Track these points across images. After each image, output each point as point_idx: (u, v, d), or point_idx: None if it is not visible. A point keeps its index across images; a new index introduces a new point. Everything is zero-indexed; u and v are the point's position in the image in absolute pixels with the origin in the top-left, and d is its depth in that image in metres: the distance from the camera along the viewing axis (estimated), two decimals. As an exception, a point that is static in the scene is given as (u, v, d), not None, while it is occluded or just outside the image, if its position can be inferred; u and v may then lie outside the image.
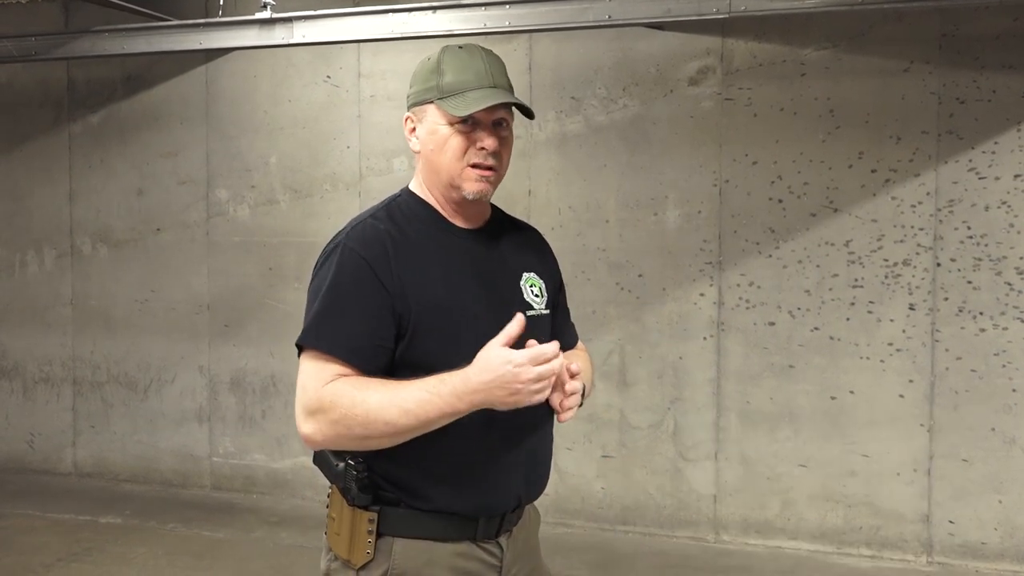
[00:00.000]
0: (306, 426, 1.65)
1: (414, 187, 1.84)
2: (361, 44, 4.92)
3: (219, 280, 5.36)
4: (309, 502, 5.10)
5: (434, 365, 1.64)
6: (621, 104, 4.63)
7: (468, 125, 1.74)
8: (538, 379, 1.57)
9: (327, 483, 1.80)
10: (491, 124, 1.76)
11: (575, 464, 4.76)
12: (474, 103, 1.71)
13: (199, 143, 5.38)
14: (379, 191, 4.91)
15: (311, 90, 5.15)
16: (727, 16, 3.73)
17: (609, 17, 3.87)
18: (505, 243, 1.87)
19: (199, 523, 4.86)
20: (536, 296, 1.84)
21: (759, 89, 4.44)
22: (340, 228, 1.80)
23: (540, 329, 1.79)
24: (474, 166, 1.75)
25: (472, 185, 1.75)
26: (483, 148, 1.75)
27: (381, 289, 1.67)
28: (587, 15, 3.87)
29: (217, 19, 4.59)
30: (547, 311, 1.86)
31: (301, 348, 1.69)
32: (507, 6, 3.99)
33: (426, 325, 1.68)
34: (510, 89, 1.79)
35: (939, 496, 4.25)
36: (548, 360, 1.58)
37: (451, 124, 1.74)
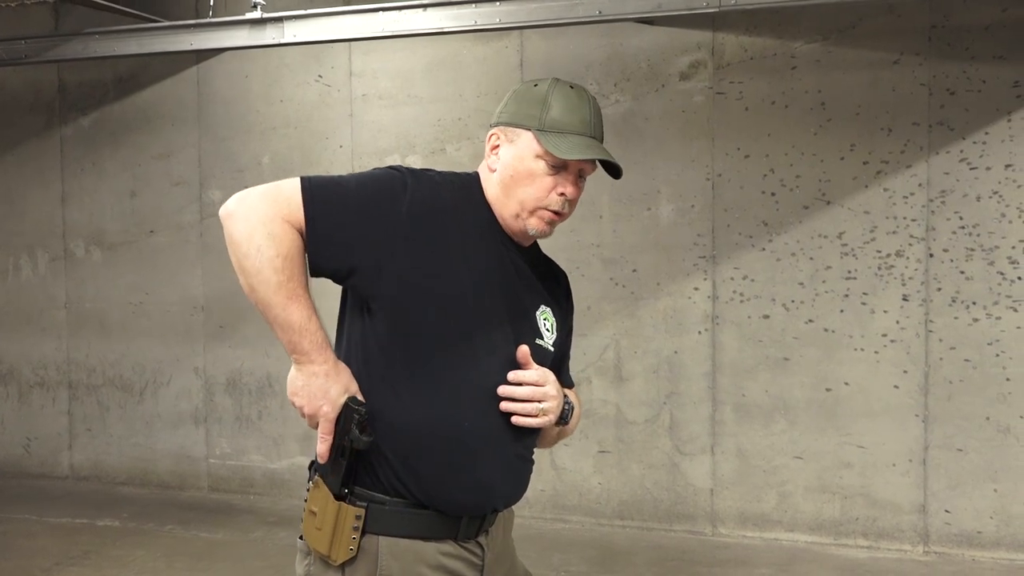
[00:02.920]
0: (233, 208, 1.68)
1: (483, 185, 1.81)
2: (352, 43, 4.92)
3: (213, 281, 5.36)
4: (307, 502, 5.09)
5: (431, 340, 1.67)
6: (613, 99, 4.63)
7: (555, 167, 1.73)
8: (307, 407, 1.67)
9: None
10: (576, 173, 1.76)
11: (572, 460, 4.77)
12: (576, 150, 1.71)
13: (191, 144, 5.38)
14: (372, 190, 4.90)
15: (303, 90, 5.15)
16: (717, 10, 3.74)
17: (599, 12, 3.87)
18: (538, 271, 1.88)
19: (197, 525, 4.86)
20: (547, 330, 1.85)
21: (750, 83, 4.44)
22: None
23: (541, 361, 1.80)
24: (547, 209, 1.75)
25: (537, 225, 1.76)
26: (563, 195, 1.75)
27: (398, 224, 1.65)
28: (577, 11, 3.88)
29: (207, 20, 4.59)
30: (551, 348, 1.86)
31: (302, 184, 1.67)
32: (497, 3, 3.99)
33: (439, 300, 1.67)
34: (602, 142, 1.79)
35: (935, 486, 4.27)
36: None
37: (542, 160, 1.73)
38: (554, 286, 1.93)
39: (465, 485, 1.71)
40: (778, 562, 4.24)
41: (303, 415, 1.70)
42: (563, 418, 1.83)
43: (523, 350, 1.74)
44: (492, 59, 4.80)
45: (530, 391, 1.73)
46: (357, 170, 4.93)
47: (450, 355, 1.68)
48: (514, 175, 1.75)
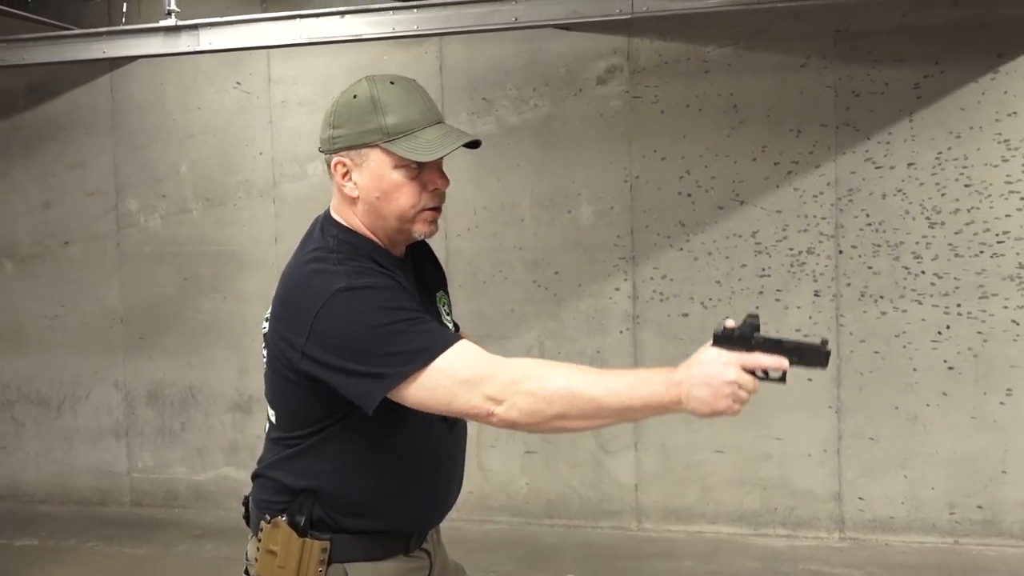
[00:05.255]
0: (499, 408, 1.54)
1: (346, 223, 1.73)
2: (271, 50, 4.89)
3: (132, 292, 5.27)
4: (233, 513, 5.00)
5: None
6: (532, 104, 4.69)
7: (416, 168, 1.66)
8: (735, 386, 1.52)
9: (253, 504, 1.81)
10: (438, 163, 1.69)
11: (499, 461, 4.82)
12: (435, 146, 1.64)
13: (106, 153, 5.28)
14: (294, 197, 4.88)
15: (221, 97, 5.10)
16: (630, 16, 3.83)
17: (516, 19, 3.92)
18: (420, 263, 1.87)
19: (120, 540, 4.77)
20: (447, 315, 1.88)
21: (665, 86, 4.55)
22: (295, 287, 1.67)
23: None
24: (426, 209, 1.70)
25: (423, 227, 1.71)
26: (435, 189, 1.70)
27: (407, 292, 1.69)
28: (493, 17, 3.92)
29: (120, 27, 4.52)
30: (453, 324, 1.90)
31: (404, 376, 1.57)
32: (415, 10, 4.02)
33: None
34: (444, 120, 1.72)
35: (848, 474, 4.42)
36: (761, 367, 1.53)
37: (400, 168, 1.65)
38: (433, 265, 1.93)
39: (427, 509, 1.79)
40: (701, 554, 4.35)
41: (734, 409, 1.55)
42: None
43: None
44: (413, 65, 4.82)
45: None
46: (278, 176, 4.97)
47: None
48: (380, 196, 1.67)
